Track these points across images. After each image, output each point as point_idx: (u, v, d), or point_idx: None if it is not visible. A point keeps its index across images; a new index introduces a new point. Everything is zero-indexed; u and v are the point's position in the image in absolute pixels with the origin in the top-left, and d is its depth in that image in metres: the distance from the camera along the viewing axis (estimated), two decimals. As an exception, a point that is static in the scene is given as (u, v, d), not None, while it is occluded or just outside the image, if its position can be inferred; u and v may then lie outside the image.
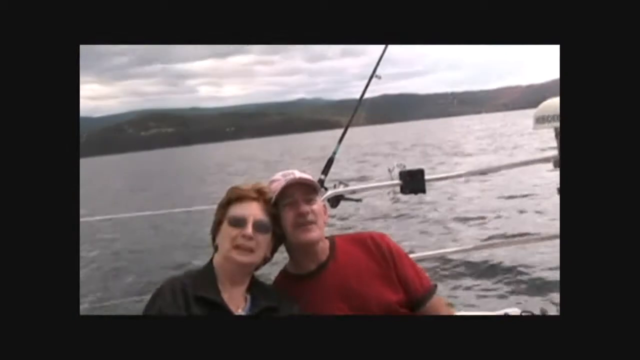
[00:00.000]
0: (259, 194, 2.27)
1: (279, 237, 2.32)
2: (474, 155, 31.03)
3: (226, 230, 2.20)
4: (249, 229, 2.17)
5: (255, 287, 2.26)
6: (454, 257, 9.16)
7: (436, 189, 15.93)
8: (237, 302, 2.16)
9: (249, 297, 2.22)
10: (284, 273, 2.48)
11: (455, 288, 8.34)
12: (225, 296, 2.13)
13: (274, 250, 2.33)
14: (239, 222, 2.18)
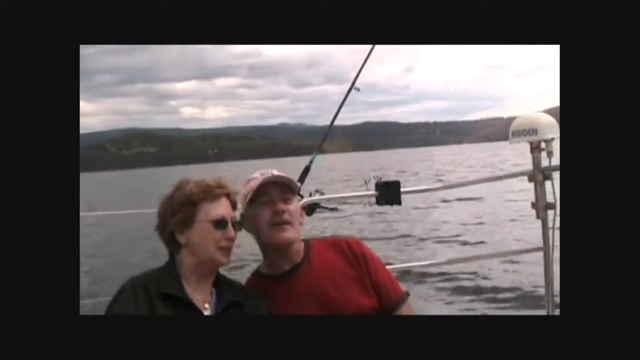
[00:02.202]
0: (226, 189, 2.22)
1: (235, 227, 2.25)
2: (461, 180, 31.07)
3: (207, 231, 2.13)
4: (232, 231, 2.16)
5: (220, 282, 2.23)
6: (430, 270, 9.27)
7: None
8: (204, 297, 2.14)
9: (214, 291, 2.19)
10: (256, 274, 2.45)
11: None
12: (190, 291, 2.10)
13: None
14: (223, 224, 2.14)
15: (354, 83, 3.74)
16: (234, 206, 2.23)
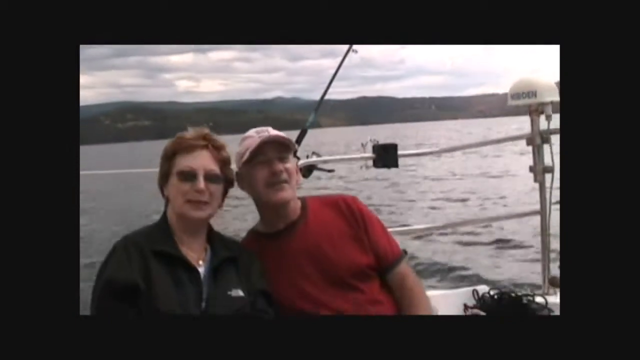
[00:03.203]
0: (207, 141, 2.15)
1: (230, 182, 2.25)
2: (462, 154, 30.87)
3: (176, 184, 2.09)
4: (201, 183, 2.07)
5: (214, 238, 2.21)
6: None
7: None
8: (198, 254, 2.13)
9: (208, 247, 2.18)
10: (253, 232, 2.45)
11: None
12: (184, 249, 2.09)
13: (224, 194, 2.24)
14: (190, 176, 2.07)
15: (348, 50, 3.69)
16: (221, 160, 2.17)
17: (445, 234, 10.60)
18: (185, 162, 2.09)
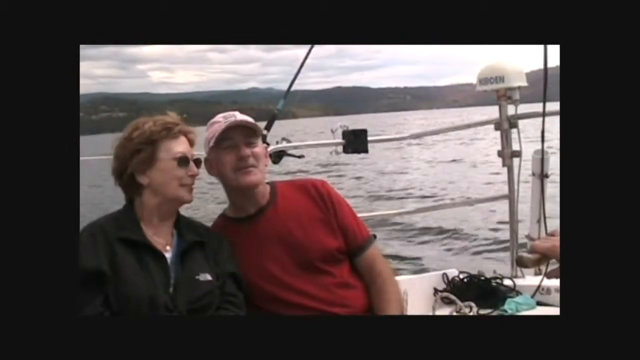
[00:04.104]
0: (184, 126, 2.19)
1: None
2: (439, 142, 30.71)
3: (170, 168, 2.10)
4: (195, 167, 2.15)
5: (182, 222, 2.21)
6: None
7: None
8: (165, 239, 2.13)
9: (175, 232, 2.18)
10: (223, 217, 2.45)
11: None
12: (151, 234, 2.09)
13: None
14: (185, 161, 2.12)
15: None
16: (191, 144, 2.20)
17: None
18: (176, 147, 2.12)
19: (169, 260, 2.08)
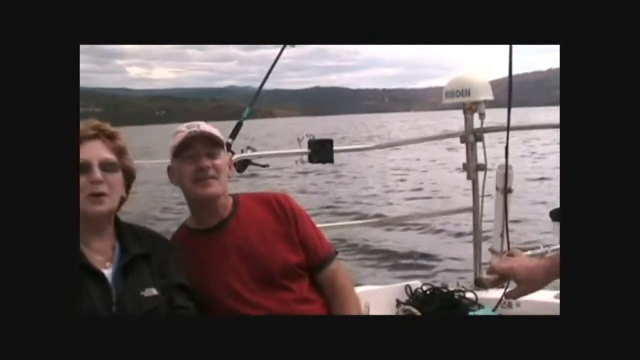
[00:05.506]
0: (98, 131, 1.98)
1: (130, 173, 2.08)
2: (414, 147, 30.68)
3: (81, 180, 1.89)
4: (97, 173, 1.90)
5: (124, 233, 2.04)
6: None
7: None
8: (104, 255, 1.95)
9: (117, 245, 2.00)
10: (184, 227, 2.39)
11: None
12: (87, 251, 1.90)
13: (127, 187, 2.09)
14: (84, 167, 1.88)
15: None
16: (116, 148, 2.01)
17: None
18: (81, 155, 1.90)
19: (109, 278, 1.91)
